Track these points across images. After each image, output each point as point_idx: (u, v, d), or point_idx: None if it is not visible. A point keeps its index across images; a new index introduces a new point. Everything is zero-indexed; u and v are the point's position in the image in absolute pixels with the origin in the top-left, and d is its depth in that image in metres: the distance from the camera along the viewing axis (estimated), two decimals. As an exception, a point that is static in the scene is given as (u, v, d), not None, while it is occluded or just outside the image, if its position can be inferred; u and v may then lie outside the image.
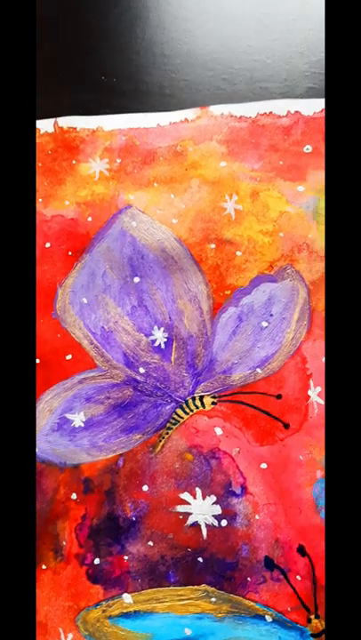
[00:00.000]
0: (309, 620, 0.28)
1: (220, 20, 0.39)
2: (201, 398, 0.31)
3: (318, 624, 0.28)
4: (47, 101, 0.38)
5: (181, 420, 0.31)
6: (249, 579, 0.29)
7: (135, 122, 0.36)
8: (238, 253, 0.33)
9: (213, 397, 0.31)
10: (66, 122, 0.36)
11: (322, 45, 0.37)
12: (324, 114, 0.35)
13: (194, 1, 0.39)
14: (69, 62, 0.38)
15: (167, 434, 0.31)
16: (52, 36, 0.39)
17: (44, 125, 0.36)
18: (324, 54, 0.37)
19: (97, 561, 0.29)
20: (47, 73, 0.38)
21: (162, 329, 0.33)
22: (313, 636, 0.28)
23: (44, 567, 0.29)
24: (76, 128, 0.36)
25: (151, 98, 0.38)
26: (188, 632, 0.28)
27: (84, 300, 0.33)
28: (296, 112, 0.36)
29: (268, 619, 0.28)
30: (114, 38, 0.39)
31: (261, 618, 0.28)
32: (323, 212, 0.34)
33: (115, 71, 0.38)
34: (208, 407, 0.31)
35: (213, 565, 0.29)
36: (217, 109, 0.36)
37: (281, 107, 0.36)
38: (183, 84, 0.38)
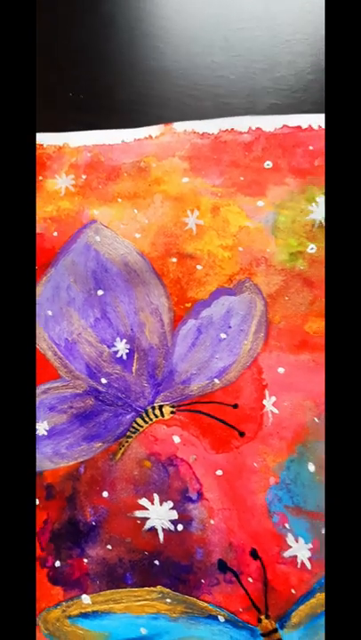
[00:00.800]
0: (260, 620, 0.31)
1: (185, 38, 0.42)
2: (160, 408, 0.35)
3: (268, 624, 0.31)
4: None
5: (141, 429, 0.34)
6: (203, 581, 0.32)
7: (100, 138, 0.39)
8: (199, 267, 0.37)
9: (172, 407, 0.35)
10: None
11: (286, 61, 0.41)
12: (284, 130, 0.39)
13: (161, 18, 0.42)
14: (39, 78, 0.41)
15: (127, 442, 0.34)
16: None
17: (13, 142, 0.39)
18: (286, 71, 0.40)
19: (57, 564, 0.33)
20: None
21: (124, 340, 0.36)
22: (263, 635, 0.31)
23: (7, 570, 0.32)
24: (42, 145, 0.40)
25: (118, 114, 0.41)
26: (143, 631, 0.31)
27: (49, 313, 0.37)
28: (257, 128, 0.39)
29: (221, 619, 0.31)
30: (81, 55, 0.42)
31: (214, 618, 0.31)
32: (282, 226, 0.37)
33: (82, 88, 0.41)
34: (167, 416, 0.35)
35: (169, 568, 0.32)
36: (180, 126, 0.39)
37: (242, 123, 0.39)
38: (149, 101, 0.41)
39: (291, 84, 0.41)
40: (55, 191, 0.39)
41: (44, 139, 0.40)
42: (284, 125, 0.40)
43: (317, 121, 0.40)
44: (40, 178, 0.40)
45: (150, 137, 0.40)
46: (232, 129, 0.40)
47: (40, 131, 0.40)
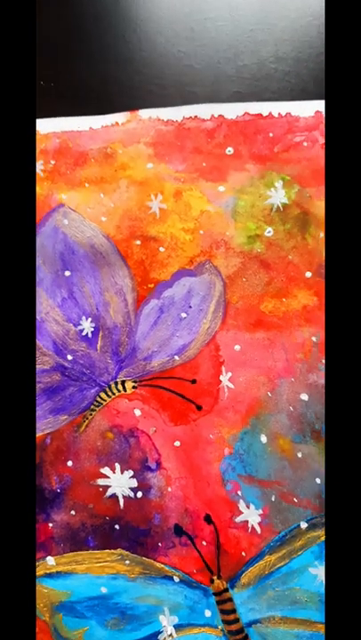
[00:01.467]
0: (212, 581, 0.33)
1: (152, 27, 0.43)
2: (123, 383, 0.36)
3: (220, 584, 0.33)
4: (-12, 105, 0.42)
5: (104, 403, 0.36)
6: (160, 544, 0.34)
7: (69, 125, 0.41)
8: (161, 249, 0.38)
9: (134, 382, 0.36)
10: (5, 125, 0.41)
11: (249, 50, 0.42)
12: (245, 117, 0.40)
13: (127, 9, 0.43)
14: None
15: (91, 415, 0.36)
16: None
17: (-15, 128, 0.41)
18: (249, 60, 0.42)
19: (24, 528, 0.34)
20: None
21: (89, 319, 0.38)
22: (215, 594, 0.33)
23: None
24: (13, 131, 0.41)
25: (86, 102, 0.42)
26: (103, 590, 0.33)
27: (19, 293, 0.38)
28: (220, 116, 0.40)
29: (176, 579, 0.33)
30: (50, 45, 0.43)
31: (170, 578, 0.33)
32: (241, 210, 0.39)
33: (52, 76, 0.43)
34: (129, 391, 0.36)
35: (128, 532, 0.34)
36: (145, 113, 0.40)
37: (205, 111, 0.40)
38: (116, 89, 0.42)
39: (253, 73, 0.43)
40: (25, 176, 0.41)
41: (15, 125, 0.42)
42: (246, 113, 0.41)
43: (278, 108, 0.41)
44: (11, 163, 0.41)
45: (117, 124, 0.41)
46: (195, 116, 0.41)
47: (11, 118, 0.42)
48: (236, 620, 0.33)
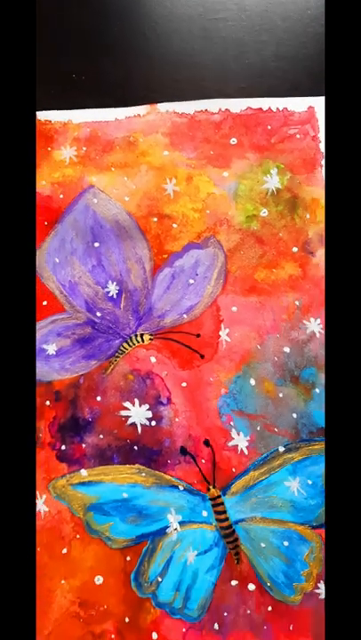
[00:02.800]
0: (209, 489, 0.43)
1: (169, 25, 0.49)
2: (141, 335, 0.45)
3: (215, 492, 0.43)
4: (28, 97, 0.49)
5: (126, 351, 0.45)
6: (169, 461, 0.43)
7: (98, 116, 0.48)
8: (174, 225, 0.46)
9: (150, 335, 0.45)
10: (43, 115, 0.48)
11: (253, 49, 0.48)
12: (248, 111, 0.47)
13: (147, 8, 0.49)
14: (47, 63, 0.49)
15: (115, 360, 0.45)
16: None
17: (26, 118, 0.48)
18: (254, 57, 0.48)
19: (63, 447, 0.44)
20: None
21: (114, 283, 0.46)
22: (210, 499, 0.43)
23: (26, 451, 0.44)
24: (51, 120, 0.48)
25: (112, 95, 0.49)
26: (125, 495, 0.43)
27: (57, 260, 0.46)
28: (226, 109, 0.47)
29: (181, 488, 0.43)
30: (82, 43, 0.49)
31: (176, 487, 0.43)
32: (241, 193, 0.46)
33: (83, 70, 0.49)
34: (146, 342, 0.45)
35: (144, 452, 0.43)
36: (163, 107, 0.47)
37: (214, 105, 0.47)
38: (137, 83, 0.49)
39: (256, 70, 0.49)
40: (61, 160, 0.48)
41: (52, 116, 0.49)
42: (248, 107, 0.48)
43: (276, 104, 0.48)
44: (48, 149, 0.48)
45: (138, 115, 0.48)
46: (205, 110, 0.48)
47: (49, 109, 0.49)
48: (226, 519, 0.43)
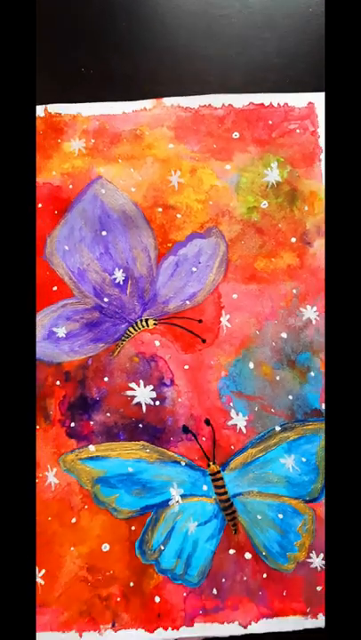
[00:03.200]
0: (209, 465, 0.46)
1: (175, 21, 0.51)
2: (146, 320, 0.47)
3: (214, 468, 0.45)
4: (39, 90, 0.51)
5: (132, 335, 0.48)
6: (171, 438, 0.46)
7: (106, 109, 0.50)
8: (178, 216, 0.48)
9: (155, 320, 0.47)
10: (53, 108, 0.50)
11: (256, 45, 0.50)
12: (250, 107, 0.49)
13: (155, 4, 0.51)
14: (58, 57, 0.51)
15: (122, 344, 0.47)
16: (44, 36, 0.51)
17: (37, 110, 0.50)
18: (256, 54, 0.49)
19: (72, 424, 0.47)
20: (38, 67, 0.51)
21: (121, 270, 0.48)
22: (210, 474, 0.45)
23: (38, 427, 0.47)
24: (60, 113, 0.50)
25: (120, 89, 0.51)
26: (130, 469, 0.46)
27: (66, 247, 0.49)
28: (229, 105, 0.49)
29: (183, 463, 0.46)
30: (92, 39, 0.51)
31: (178, 463, 0.46)
32: (243, 186, 0.48)
33: (92, 65, 0.51)
34: (151, 327, 0.47)
35: (149, 429, 0.46)
36: (168, 101, 0.49)
37: (217, 100, 0.49)
38: (144, 77, 0.51)
39: (259, 66, 0.51)
40: (71, 152, 0.50)
41: (62, 109, 0.50)
42: (251, 102, 0.50)
43: (277, 99, 0.50)
44: (59, 140, 0.50)
45: (145, 109, 0.50)
46: (209, 104, 0.50)
47: (59, 102, 0.51)
48: (225, 493, 0.46)
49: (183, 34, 0.51)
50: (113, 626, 0.44)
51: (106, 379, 0.48)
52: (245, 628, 0.44)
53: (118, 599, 0.44)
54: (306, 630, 0.44)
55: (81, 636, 0.44)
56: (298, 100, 0.50)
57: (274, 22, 0.51)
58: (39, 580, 0.45)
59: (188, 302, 0.48)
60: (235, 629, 0.44)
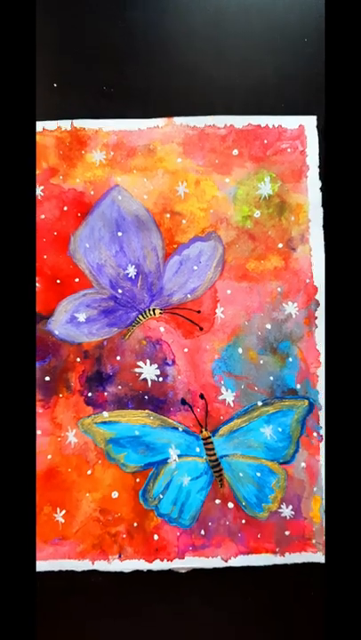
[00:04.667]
0: (202, 432, 0.55)
1: (186, 43, 0.58)
2: (153, 310, 0.56)
3: (206, 434, 0.55)
4: (66, 106, 0.58)
5: (141, 322, 0.56)
6: (172, 409, 0.55)
7: (123, 126, 0.57)
8: (183, 221, 0.56)
9: (161, 310, 0.56)
10: (79, 123, 0.58)
11: (256, 69, 0.56)
12: (248, 127, 0.56)
13: (170, 24, 0.58)
14: (84, 78, 0.58)
15: (133, 329, 0.56)
16: (67, 53, 0.58)
17: (64, 124, 0.58)
18: (257, 77, 0.56)
19: (90, 394, 0.56)
20: (66, 85, 0.58)
21: (133, 266, 0.57)
22: (203, 439, 0.55)
23: (61, 396, 0.56)
24: (85, 128, 0.58)
25: (137, 106, 0.58)
26: (136, 432, 0.55)
27: (87, 245, 0.57)
28: (231, 125, 0.57)
29: (180, 429, 0.55)
30: (113, 60, 0.58)
31: (176, 428, 0.55)
32: (240, 197, 0.56)
33: (113, 84, 0.58)
34: (157, 315, 0.56)
35: (153, 401, 0.56)
36: (178, 120, 0.57)
37: (220, 121, 0.56)
38: (158, 98, 0.58)
39: (258, 89, 0.58)
40: (93, 162, 0.58)
41: (86, 124, 0.58)
42: (249, 123, 0.57)
43: (272, 121, 0.57)
44: (82, 152, 0.58)
45: (157, 127, 0.58)
46: (213, 124, 0.57)
47: (84, 117, 0.58)
48: (214, 454, 0.56)
49: (192, 57, 0.58)
50: (119, 557, 0.55)
51: (118, 357, 0.57)
52: (226, 561, 0.55)
53: (124, 536, 0.55)
54: (275, 565, 0.55)
55: (93, 563, 0.55)
56: (290, 122, 0.57)
57: (274, 48, 0.58)
58: (60, 519, 0.55)
59: (189, 295, 0.57)
60: (217, 563, 0.55)
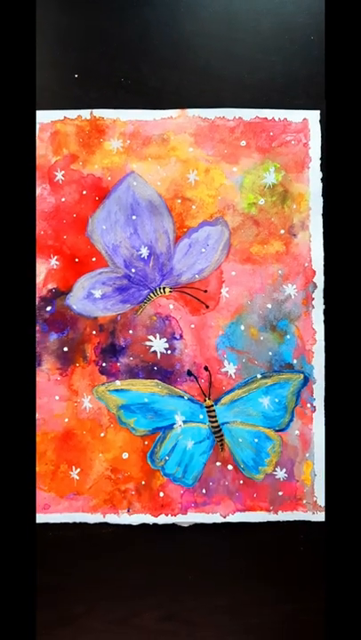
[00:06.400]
0: (205, 400, 0.60)
1: (199, 41, 0.62)
2: (164, 288, 0.61)
3: (210, 402, 0.60)
4: (86, 96, 0.62)
5: (152, 299, 0.61)
6: (178, 379, 0.61)
7: (140, 116, 0.61)
8: (193, 207, 0.61)
9: (170, 288, 0.61)
10: (98, 113, 0.62)
11: (264, 66, 0.60)
12: (255, 120, 0.60)
13: (182, 25, 0.62)
14: (103, 70, 0.62)
15: (144, 305, 0.61)
16: (88, 48, 0.62)
17: (85, 114, 0.62)
18: (264, 74, 0.60)
19: (104, 364, 0.61)
20: (87, 76, 0.62)
21: (146, 248, 0.61)
22: (206, 407, 0.60)
23: (77, 365, 0.61)
24: (103, 117, 0.62)
25: (152, 98, 0.62)
26: (146, 400, 0.61)
27: (104, 227, 0.62)
28: (239, 117, 0.61)
29: (185, 397, 0.60)
30: (129, 52, 0.62)
31: (182, 397, 0.60)
32: (246, 185, 0.61)
33: (130, 77, 0.62)
34: (167, 293, 0.61)
35: (161, 371, 0.61)
36: (190, 112, 0.61)
37: (230, 113, 0.60)
38: (173, 91, 0.62)
39: (266, 85, 0.62)
40: (110, 150, 0.62)
41: (105, 114, 0.62)
42: (257, 116, 0.61)
43: (278, 114, 0.61)
44: (101, 140, 0.62)
45: (171, 117, 0.62)
46: (223, 116, 0.61)
47: (103, 107, 0.62)
48: (216, 421, 0.61)
49: (204, 55, 0.62)
50: (128, 511, 0.60)
51: (130, 331, 0.62)
52: (224, 518, 0.60)
53: (133, 492, 0.60)
54: (268, 522, 0.60)
55: (104, 517, 0.60)
56: (295, 115, 0.61)
57: (280, 47, 0.62)
58: (75, 477, 0.61)
59: (197, 276, 0.61)
60: (216, 519, 0.60)
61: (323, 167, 0.60)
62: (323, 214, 0.60)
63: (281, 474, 0.60)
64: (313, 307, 0.60)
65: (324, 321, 0.60)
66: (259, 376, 0.60)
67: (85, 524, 0.61)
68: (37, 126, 0.61)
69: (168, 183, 0.61)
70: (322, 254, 0.60)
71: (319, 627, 0.58)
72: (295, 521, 0.60)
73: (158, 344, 0.61)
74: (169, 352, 0.61)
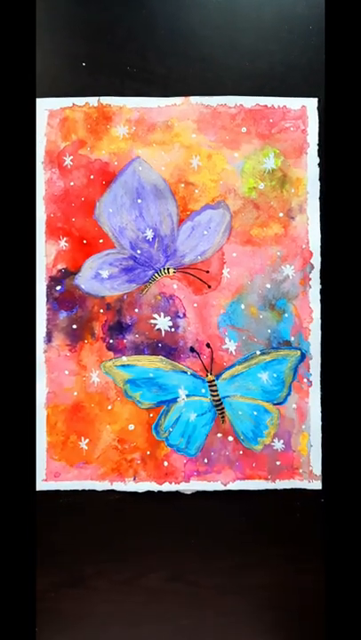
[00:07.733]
0: (207, 375, 0.63)
1: (204, 31, 0.64)
2: (168, 269, 0.64)
3: (211, 377, 0.63)
4: (94, 84, 0.65)
5: (157, 279, 0.64)
6: (182, 355, 0.64)
7: (145, 103, 0.64)
8: (196, 191, 0.64)
9: (174, 269, 0.64)
10: (105, 100, 0.64)
11: (265, 55, 0.63)
12: (256, 107, 0.63)
13: (188, 15, 0.64)
14: (110, 57, 0.65)
15: (149, 285, 0.64)
16: (96, 37, 0.64)
17: (92, 101, 0.64)
18: (264, 63, 0.62)
19: (111, 341, 0.64)
20: (94, 65, 0.64)
21: (151, 230, 0.64)
22: (208, 382, 0.63)
23: (86, 342, 0.64)
24: (110, 104, 0.64)
25: (157, 86, 0.64)
26: (150, 375, 0.64)
27: (110, 210, 0.64)
28: (240, 104, 0.63)
29: (188, 373, 0.64)
30: (135, 41, 0.64)
31: (185, 372, 0.64)
32: (246, 170, 0.63)
33: (135, 64, 0.64)
34: (171, 274, 0.64)
35: (166, 348, 0.64)
36: (194, 99, 0.63)
37: (231, 100, 0.63)
38: (177, 79, 0.64)
39: (266, 73, 0.64)
40: (117, 136, 0.64)
41: (112, 101, 0.64)
42: (257, 104, 0.63)
43: (278, 102, 0.63)
44: (108, 126, 0.65)
45: (175, 104, 0.64)
46: (225, 104, 0.64)
47: (110, 95, 0.64)
48: (217, 395, 0.64)
49: (208, 44, 0.64)
50: (134, 479, 0.64)
51: (136, 310, 0.65)
52: (225, 486, 0.64)
53: (138, 462, 0.64)
54: (266, 490, 0.64)
55: (112, 484, 0.64)
56: (294, 103, 0.63)
57: (280, 37, 0.64)
58: (84, 447, 0.64)
59: (199, 257, 0.64)
60: (218, 486, 0.64)
61: (320, 153, 0.63)
62: (320, 198, 0.63)
63: (279, 445, 0.63)
64: (310, 286, 0.63)
65: (321, 300, 0.63)
66: (258, 352, 0.63)
67: (94, 491, 0.64)
68: (47, 113, 0.64)
69: (172, 168, 0.64)
70: (319, 236, 0.63)
71: (318, 585, 0.62)
72: (292, 489, 0.63)
73: (163, 322, 0.64)
74: (173, 330, 0.64)
